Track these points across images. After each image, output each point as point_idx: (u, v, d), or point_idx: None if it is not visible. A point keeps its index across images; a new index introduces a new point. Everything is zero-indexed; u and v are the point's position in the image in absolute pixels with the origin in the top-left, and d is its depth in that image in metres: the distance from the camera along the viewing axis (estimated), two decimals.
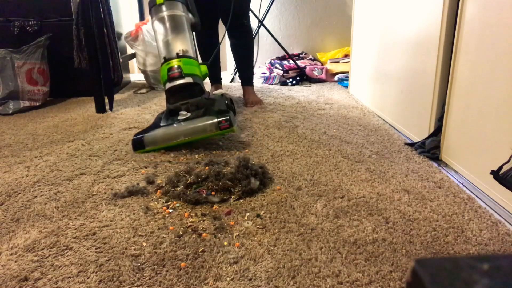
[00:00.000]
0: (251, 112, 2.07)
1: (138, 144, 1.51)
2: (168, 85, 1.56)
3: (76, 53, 2.15)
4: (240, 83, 2.41)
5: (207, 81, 2.24)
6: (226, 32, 2.16)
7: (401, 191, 1.15)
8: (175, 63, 1.57)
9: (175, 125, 1.54)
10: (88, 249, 0.89)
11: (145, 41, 2.65)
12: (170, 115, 1.62)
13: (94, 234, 0.95)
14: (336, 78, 2.96)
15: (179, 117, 1.57)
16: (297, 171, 1.30)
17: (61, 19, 2.40)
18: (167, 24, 1.69)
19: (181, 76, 1.54)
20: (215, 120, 1.49)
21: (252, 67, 2.36)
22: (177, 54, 1.61)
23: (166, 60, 1.60)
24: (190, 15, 1.78)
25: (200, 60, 1.74)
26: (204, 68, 1.64)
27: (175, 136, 1.51)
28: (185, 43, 1.67)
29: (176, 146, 1.51)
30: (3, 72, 2.18)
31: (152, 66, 2.70)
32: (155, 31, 1.72)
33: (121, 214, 1.04)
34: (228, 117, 1.48)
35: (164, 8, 1.69)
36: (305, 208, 1.05)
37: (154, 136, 1.52)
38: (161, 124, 1.58)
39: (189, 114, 1.57)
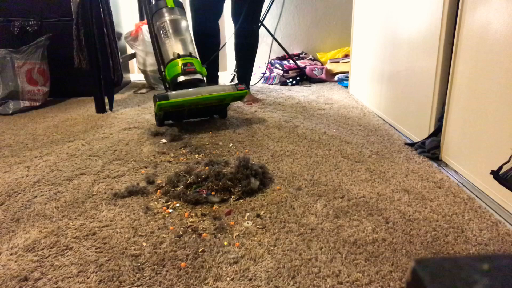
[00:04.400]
0: (251, 112, 2.07)
1: (163, 97, 1.63)
2: (183, 78, 1.77)
3: (76, 53, 2.15)
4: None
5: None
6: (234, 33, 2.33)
7: (401, 191, 1.15)
8: (190, 60, 1.80)
9: (196, 88, 1.74)
10: (88, 249, 0.89)
11: (145, 41, 2.65)
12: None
13: (94, 234, 0.95)
14: (336, 78, 2.96)
15: None
16: (297, 171, 1.30)
17: (61, 19, 2.40)
18: (182, 26, 1.90)
19: (195, 72, 1.78)
20: (233, 85, 1.75)
21: (252, 69, 2.46)
22: (190, 53, 1.83)
23: (180, 56, 1.80)
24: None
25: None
26: (204, 70, 1.85)
27: (197, 92, 1.68)
28: (193, 45, 1.90)
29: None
30: (3, 72, 2.18)
31: (152, 66, 2.70)
32: (164, 29, 1.88)
33: (121, 214, 1.04)
34: (243, 83, 1.79)
35: (175, 12, 1.91)
36: (305, 208, 1.05)
37: (177, 92, 1.67)
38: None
39: None
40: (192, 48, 1.88)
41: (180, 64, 1.78)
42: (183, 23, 1.92)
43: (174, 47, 1.84)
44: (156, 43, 1.93)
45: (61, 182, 1.25)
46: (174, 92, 1.66)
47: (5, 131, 1.84)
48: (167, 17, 1.88)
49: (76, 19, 2.09)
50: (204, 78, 1.84)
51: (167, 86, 1.90)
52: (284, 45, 3.14)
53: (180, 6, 1.95)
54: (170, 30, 1.86)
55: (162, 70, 1.89)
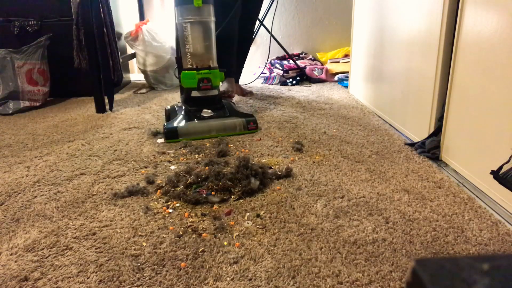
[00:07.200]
0: (251, 112, 2.07)
1: (172, 134, 1.62)
2: (197, 94, 1.74)
3: (76, 53, 2.15)
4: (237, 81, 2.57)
5: None
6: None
7: (401, 191, 1.15)
8: (207, 75, 1.74)
9: (207, 120, 1.70)
10: (88, 249, 0.89)
11: (145, 41, 2.65)
12: (190, 112, 1.76)
13: (94, 234, 0.95)
14: (336, 78, 2.96)
15: (203, 114, 1.73)
16: (297, 171, 1.30)
17: (61, 19, 2.40)
18: (202, 30, 1.76)
19: (211, 89, 1.75)
20: (244, 121, 1.72)
21: (243, 66, 2.60)
22: (209, 66, 1.77)
23: (199, 69, 1.74)
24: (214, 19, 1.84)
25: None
26: (222, 75, 1.80)
27: (207, 130, 1.67)
28: (214, 53, 1.80)
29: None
30: (3, 72, 2.18)
31: (152, 66, 2.70)
32: (187, 31, 1.73)
33: (121, 214, 1.04)
34: (255, 119, 1.74)
35: (201, 12, 1.73)
36: (305, 208, 1.05)
37: (187, 127, 1.66)
38: (183, 118, 1.73)
39: (212, 113, 1.73)
40: (213, 57, 1.78)
41: (196, 78, 1.72)
42: (207, 27, 1.75)
43: (193, 52, 1.74)
44: (177, 39, 1.83)
45: (61, 182, 1.25)
46: (184, 126, 1.65)
47: (5, 131, 1.84)
48: (190, 18, 1.71)
49: (76, 19, 2.09)
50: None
51: (181, 87, 1.87)
52: (284, 45, 3.14)
53: (208, 3, 1.74)
54: (191, 35, 1.73)
55: (180, 66, 1.84)
